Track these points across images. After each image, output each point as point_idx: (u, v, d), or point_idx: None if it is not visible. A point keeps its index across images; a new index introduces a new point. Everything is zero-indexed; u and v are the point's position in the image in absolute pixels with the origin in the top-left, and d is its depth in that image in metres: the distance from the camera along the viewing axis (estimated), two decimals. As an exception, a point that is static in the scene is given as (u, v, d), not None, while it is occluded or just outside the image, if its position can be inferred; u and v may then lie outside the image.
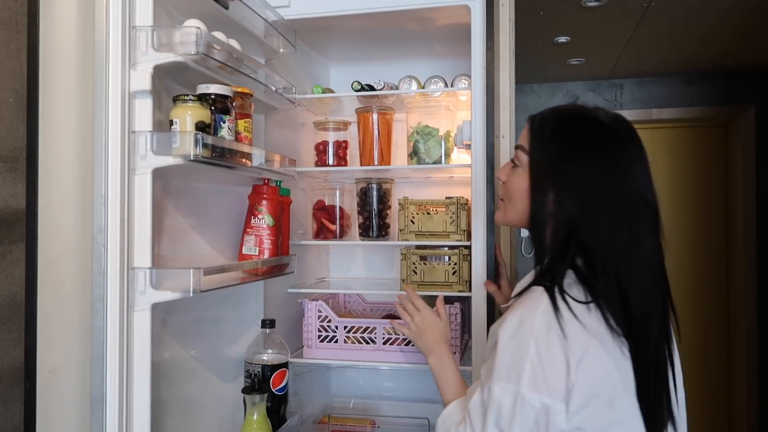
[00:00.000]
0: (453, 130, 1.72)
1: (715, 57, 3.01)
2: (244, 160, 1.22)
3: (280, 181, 1.48)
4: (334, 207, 1.82)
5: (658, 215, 0.91)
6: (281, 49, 1.51)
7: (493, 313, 1.46)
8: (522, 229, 1.08)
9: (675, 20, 2.46)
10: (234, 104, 1.20)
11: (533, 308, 0.85)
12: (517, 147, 0.99)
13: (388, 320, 1.71)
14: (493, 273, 1.44)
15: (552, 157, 0.92)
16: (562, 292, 0.85)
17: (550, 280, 0.87)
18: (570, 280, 0.87)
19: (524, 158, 0.96)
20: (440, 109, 1.72)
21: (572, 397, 0.80)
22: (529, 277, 0.99)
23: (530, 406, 0.81)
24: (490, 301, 1.46)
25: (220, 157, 1.12)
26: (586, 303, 0.84)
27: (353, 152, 1.84)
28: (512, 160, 1.00)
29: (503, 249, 1.53)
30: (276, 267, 1.45)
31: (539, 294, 0.86)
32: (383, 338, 1.64)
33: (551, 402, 0.81)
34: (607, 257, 0.86)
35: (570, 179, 0.89)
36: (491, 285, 1.38)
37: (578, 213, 0.88)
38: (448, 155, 1.70)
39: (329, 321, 1.67)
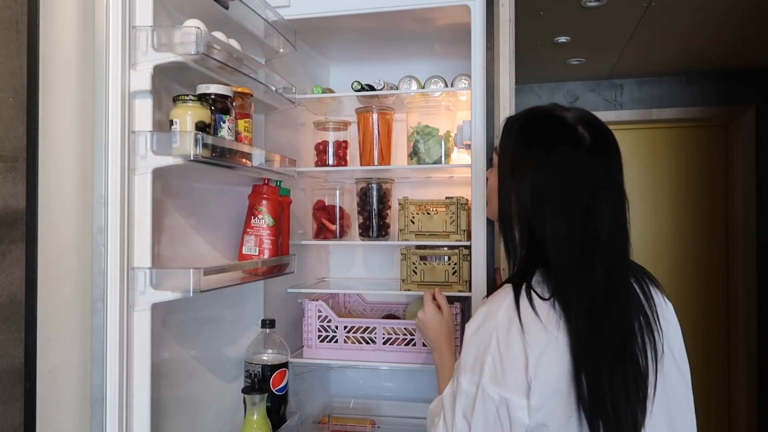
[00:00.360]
0: (453, 130, 1.72)
1: (716, 57, 3.01)
2: (244, 160, 1.22)
3: (280, 181, 1.48)
4: (334, 207, 1.82)
5: (602, 225, 0.88)
6: (281, 49, 1.51)
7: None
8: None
9: (675, 20, 2.46)
10: (234, 104, 1.20)
11: (498, 304, 0.88)
12: (494, 149, 1.06)
13: (388, 320, 1.71)
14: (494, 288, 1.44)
15: (511, 154, 0.96)
16: (529, 288, 0.87)
17: (520, 278, 0.89)
18: (539, 278, 0.89)
19: (496, 158, 1.02)
20: (440, 109, 1.72)
21: (532, 393, 0.82)
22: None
23: (491, 399, 0.84)
24: (490, 293, 1.46)
25: (220, 157, 1.12)
26: (548, 299, 0.86)
27: (353, 152, 1.84)
28: (490, 160, 1.06)
29: (503, 249, 1.53)
30: (276, 267, 1.45)
31: (506, 291, 0.89)
32: (383, 338, 1.64)
33: (510, 396, 0.83)
34: (553, 252, 0.88)
35: (523, 174, 0.92)
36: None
37: (531, 207, 0.90)
38: (448, 155, 1.70)
39: (329, 321, 1.67)
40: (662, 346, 0.91)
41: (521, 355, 0.83)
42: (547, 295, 0.87)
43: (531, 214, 0.90)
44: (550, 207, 0.89)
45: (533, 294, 0.87)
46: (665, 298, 0.99)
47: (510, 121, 1.00)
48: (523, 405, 0.83)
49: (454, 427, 0.89)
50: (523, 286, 0.88)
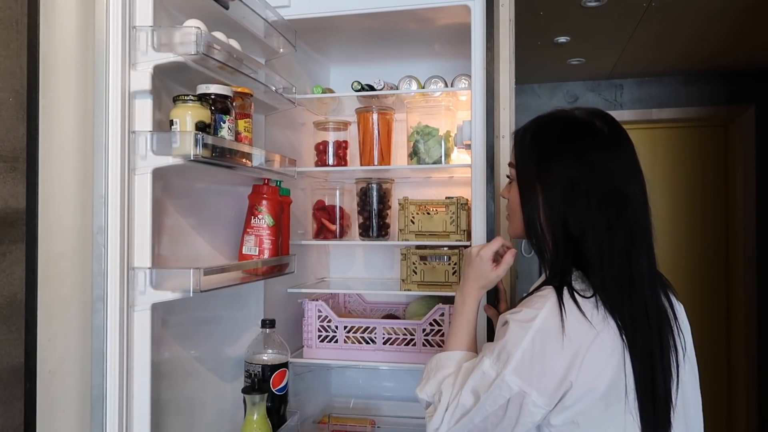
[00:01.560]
0: (453, 130, 1.72)
1: (715, 57, 3.01)
2: (244, 160, 1.22)
3: (280, 181, 1.48)
4: (334, 207, 1.82)
5: (638, 207, 0.92)
6: (281, 49, 1.51)
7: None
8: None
9: (675, 20, 2.46)
10: (234, 104, 1.20)
11: (541, 303, 0.88)
12: (509, 164, 1.05)
13: (388, 320, 1.71)
14: (494, 299, 1.44)
15: (533, 162, 0.97)
16: (571, 290, 0.88)
17: (559, 281, 0.90)
18: (576, 276, 0.90)
19: (513, 172, 1.03)
20: (440, 109, 1.72)
21: (569, 395, 0.84)
22: (539, 283, 1.00)
23: (508, 388, 0.86)
24: (491, 301, 1.46)
25: (220, 157, 1.12)
26: (591, 297, 0.87)
27: (353, 152, 1.84)
28: (508, 176, 1.06)
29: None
30: (276, 267, 1.45)
31: (548, 292, 0.89)
32: (383, 338, 1.64)
33: (530, 391, 0.85)
34: (594, 246, 0.89)
35: (550, 177, 0.93)
36: (490, 309, 1.38)
37: (565, 207, 0.91)
38: (448, 155, 1.70)
39: (329, 321, 1.67)
40: (683, 340, 0.94)
41: (559, 362, 0.84)
42: (589, 294, 0.88)
43: (566, 214, 0.91)
44: (586, 201, 0.90)
45: (576, 294, 0.87)
46: (677, 299, 1.01)
47: (520, 133, 1.01)
48: (541, 404, 0.84)
49: (459, 395, 0.91)
50: (565, 289, 0.88)
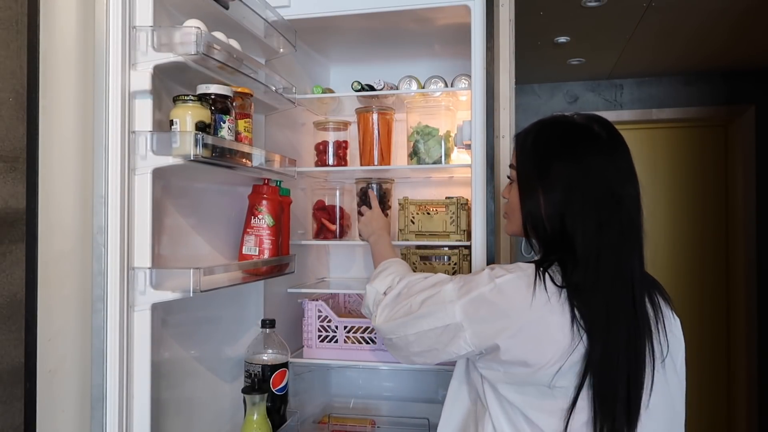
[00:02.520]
0: (453, 130, 1.72)
1: (715, 57, 3.01)
2: (244, 160, 1.22)
3: (280, 181, 1.48)
4: (334, 207, 1.82)
5: (633, 207, 0.95)
6: (281, 49, 1.51)
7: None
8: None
9: (675, 20, 2.46)
10: (234, 104, 1.20)
11: (514, 269, 0.95)
12: (510, 166, 1.09)
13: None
14: None
15: (533, 163, 1.01)
16: (545, 272, 0.93)
17: (540, 263, 0.96)
18: (555, 269, 0.94)
19: (514, 173, 1.06)
20: (440, 109, 1.72)
21: (499, 353, 0.91)
22: None
23: (452, 315, 0.96)
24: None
25: (220, 157, 1.12)
26: (561, 287, 0.91)
27: (353, 152, 1.84)
28: (509, 177, 1.10)
29: (503, 249, 1.53)
30: (276, 267, 1.45)
31: (527, 265, 0.96)
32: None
33: (467, 327, 0.94)
34: (581, 246, 0.92)
35: (550, 178, 0.97)
36: None
37: (561, 207, 0.95)
38: (448, 155, 1.70)
39: (329, 321, 1.67)
40: (665, 346, 0.95)
41: (497, 320, 0.92)
42: (559, 284, 0.92)
43: (563, 213, 0.94)
44: (581, 203, 0.93)
45: (548, 277, 0.92)
46: (674, 313, 1.02)
47: (522, 135, 1.05)
48: (470, 343, 0.94)
49: (413, 297, 1.03)
50: (542, 268, 0.93)
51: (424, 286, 1.04)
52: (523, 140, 1.04)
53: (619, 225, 0.93)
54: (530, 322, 0.90)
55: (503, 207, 1.17)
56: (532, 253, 1.05)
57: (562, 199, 0.95)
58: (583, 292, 0.90)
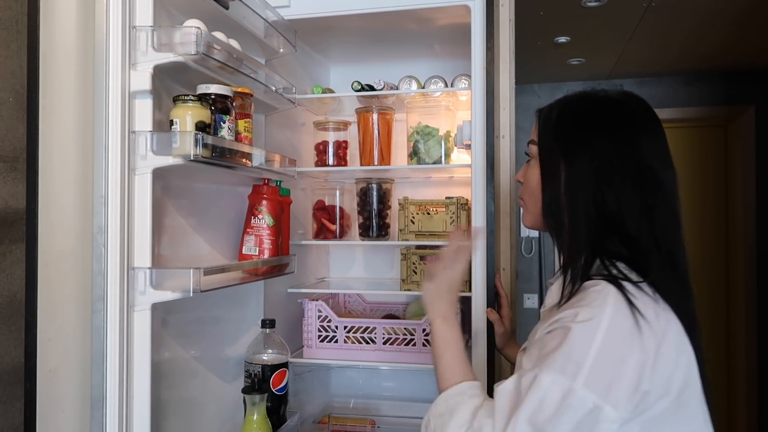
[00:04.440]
0: (453, 130, 1.72)
1: (715, 57, 3.01)
2: (244, 160, 1.22)
3: (280, 181, 1.48)
4: (334, 207, 1.82)
5: (673, 198, 0.85)
6: (281, 49, 1.51)
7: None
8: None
9: (675, 20, 2.46)
10: (234, 104, 1.20)
11: (602, 301, 0.76)
12: (528, 143, 0.97)
13: (388, 320, 1.71)
14: (494, 302, 1.44)
15: (560, 137, 0.89)
16: (627, 280, 0.78)
17: (606, 274, 0.80)
18: (621, 266, 0.81)
19: (534, 149, 0.94)
20: (440, 109, 1.72)
21: (642, 403, 0.74)
22: (558, 279, 0.90)
23: (581, 405, 0.72)
24: (490, 301, 1.46)
25: (220, 157, 1.12)
26: (653, 295, 0.78)
27: (353, 152, 1.84)
28: (526, 153, 0.98)
29: (504, 249, 1.53)
30: (276, 267, 1.45)
31: (603, 286, 0.78)
32: (383, 338, 1.64)
33: (603, 405, 0.72)
34: (635, 230, 0.81)
35: (580, 152, 0.85)
36: (493, 313, 1.38)
37: (595, 185, 0.83)
38: (448, 155, 1.70)
39: (329, 321, 1.67)
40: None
41: (631, 367, 0.73)
42: (638, 279, 0.79)
43: (600, 191, 0.83)
44: (621, 179, 0.83)
45: (632, 284, 0.77)
46: None
47: (545, 110, 0.94)
48: (615, 419, 0.72)
49: (507, 429, 0.74)
50: (622, 281, 0.78)
51: (509, 410, 0.76)
52: (546, 114, 0.93)
53: (665, 210, 0.83)
54: (658, 345, 0.75)
55: (519, 192, 1.03)
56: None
57: (596, 175, 0.83)
58: (671, 292, 0.79)
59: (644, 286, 0.79)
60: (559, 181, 0.87)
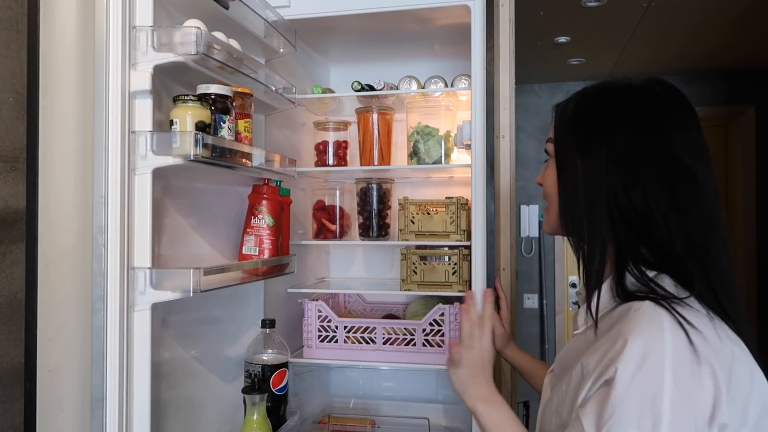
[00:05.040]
0: (453, 130, 1.72)
1: (715, 57, 3.01)
2: (244, 160, 1.22)
3: (280, 181, 1.48)
4: (334, 207, 1.82)
5: (709, 193, 0.77)
6: (281, 49, 1.51)
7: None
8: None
9: (675, 20, 2.47)
10: (234, 104, 1.20)
11: (655, 328, 0.67)
12: (547, 141, 0.91)
13: (388, 320, 1.71)
14: (494, 304, 1.44)
15: (577, 130, 0.83)
16: (674, 297, 0.71)
17: (645, 289, 0.73)
18: (665, 279, 0.74)
19: (551, 146, 0.88)
20: (440, 109, 1.73)
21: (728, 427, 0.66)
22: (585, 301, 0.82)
23: None
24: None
25: (220, 157, 1.12)
26: (708, 313, 0.71)
27: (353, 152, 1.84)
28: (546, 152, 0.92)
29: (504, 249, 1.53)
30: (276, 267, 1.45)
31: (652, 310, 0.69)
32: (383, 338, 1.64)
33: None
34: (664, 232, 0.74)
35: (599, 145, 0.78)
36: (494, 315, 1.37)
37: (615, 180, 0.76)
38: (448, 155, 1.70)
39: (329, 321, 1.67)
40: None
41: (705, 401, 0.65)
42: (684, 295, 0.71)
43: (623, 187, 0.76)
44: (646, 173, 0.76)
45: (678, 303, 0.69)
46: None
47: (562, 104, 0.88)
48: None
49: None
50: (670, 302, 0.69)
51: None
52: (563, 108, 0.87)
53: (701, 209, 0.75)
54: (730, 370, 0.68)
55: (541, 197, 0.95)
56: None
57: (619, 169, 0.76)
58: (720, 306, 0.72)
59: (692, 301, 0.71)
60: (576, 180, 0.80)
